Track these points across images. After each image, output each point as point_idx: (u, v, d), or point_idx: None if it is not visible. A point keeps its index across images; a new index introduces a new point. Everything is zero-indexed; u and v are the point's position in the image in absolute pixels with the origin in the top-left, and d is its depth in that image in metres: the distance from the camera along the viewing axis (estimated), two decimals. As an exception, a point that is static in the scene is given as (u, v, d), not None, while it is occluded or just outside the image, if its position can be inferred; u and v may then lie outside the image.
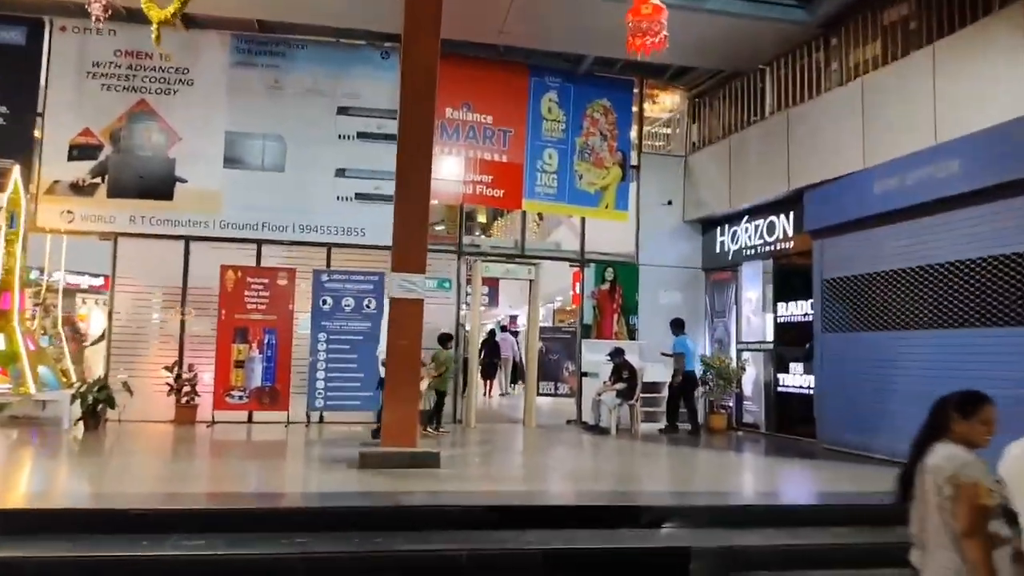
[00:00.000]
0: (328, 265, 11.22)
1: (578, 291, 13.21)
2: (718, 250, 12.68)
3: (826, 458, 8.94)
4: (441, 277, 11.61)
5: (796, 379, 10.82)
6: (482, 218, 23.03)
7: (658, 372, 11.77)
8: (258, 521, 5.16)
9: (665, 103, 14.21)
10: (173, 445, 9.02)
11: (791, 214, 10.96)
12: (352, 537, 5.04)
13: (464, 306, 12.13)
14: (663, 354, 11.63)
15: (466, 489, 6.42)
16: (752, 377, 11.89)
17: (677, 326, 11.72)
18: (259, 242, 11.13)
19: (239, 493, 6.28)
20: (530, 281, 11.73)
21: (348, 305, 10.72)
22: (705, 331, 12.98)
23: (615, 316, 12.41)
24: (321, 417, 10.92)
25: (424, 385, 9.33)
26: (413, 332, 7.29)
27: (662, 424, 11.46)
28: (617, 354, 11.08)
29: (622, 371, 10.91)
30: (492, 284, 20.82)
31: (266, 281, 10.67)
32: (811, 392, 10.35)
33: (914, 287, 8.57)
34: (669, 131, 14.09)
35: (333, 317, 10.67)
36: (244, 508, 5.47)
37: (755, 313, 12.11)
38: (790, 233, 11.01)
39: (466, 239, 12.14)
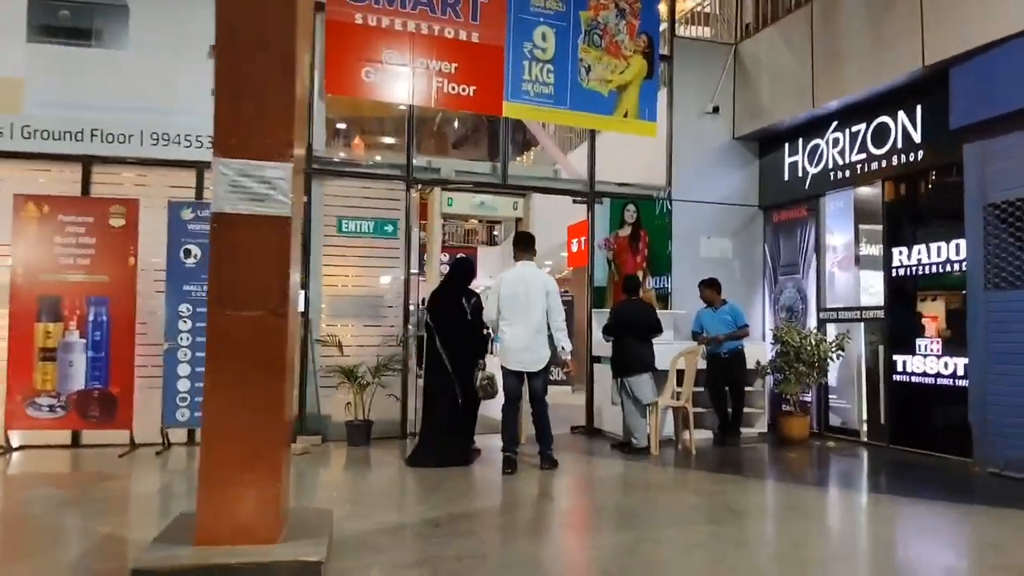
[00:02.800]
0: (199, 195, 7.19)
1: (574, 249, 9.32)
2: (787, 176, 8.80)
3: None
4: (380, 218, 7.65)
5: (927, 363, 6.99)
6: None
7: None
8: None
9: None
10: None
11: (918, 108, 7.11)
12: None
13: (415, 268, 8.03)
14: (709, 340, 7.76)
15: None
16: (840, 360, 8.12)
17: (713, 288, 7.97)
18: (86, 159, 7.01)
19: None
20: (516, 220, 7.77)
21: (227, 258, 6.72)
22: (764, 295, 9.16)
23: (640, 276, 8.52)
24: (191, 436, 6.95)
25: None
26: (273, 290, 3.36)
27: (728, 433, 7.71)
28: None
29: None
30: (470, 253, 16.97)
31: (90, 220, 6.61)
32: (959, 383, 6.57)
33: None
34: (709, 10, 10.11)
35: (202, 277, 6.67)
36: None
37: (842, 266, 8.33)
38: (917, 139, 7.14)
39: (419, 160, 8.10)
